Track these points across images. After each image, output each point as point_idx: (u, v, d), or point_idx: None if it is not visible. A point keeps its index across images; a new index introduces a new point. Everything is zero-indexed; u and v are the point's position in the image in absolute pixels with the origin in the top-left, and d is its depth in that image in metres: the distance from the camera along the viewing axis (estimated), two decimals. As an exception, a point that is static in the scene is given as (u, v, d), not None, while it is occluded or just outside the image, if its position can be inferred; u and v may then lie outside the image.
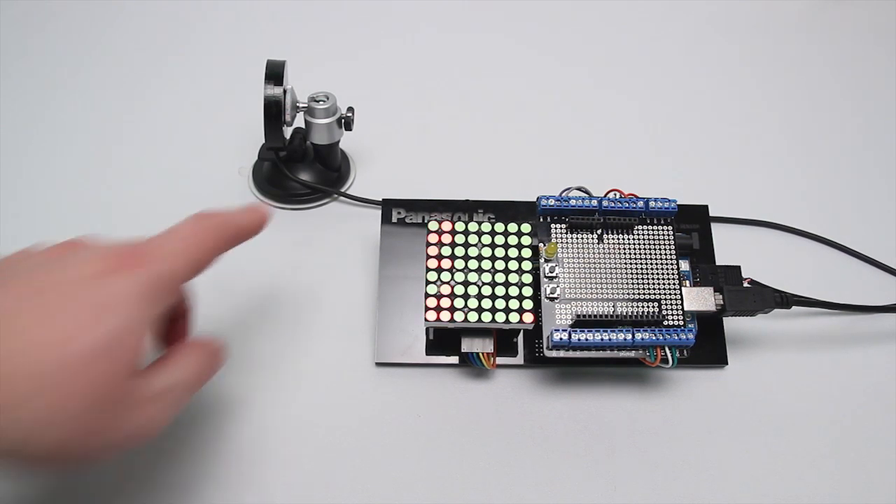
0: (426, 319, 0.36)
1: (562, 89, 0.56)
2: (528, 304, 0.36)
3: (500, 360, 0.39)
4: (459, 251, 0.37)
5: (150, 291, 0.27)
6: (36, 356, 0.24)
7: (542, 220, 0.39)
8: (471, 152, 0.51)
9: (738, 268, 0.39)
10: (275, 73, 0.43)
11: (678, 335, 0.36)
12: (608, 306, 0.37)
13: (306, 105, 0.45)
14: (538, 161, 0.51)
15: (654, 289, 0.37)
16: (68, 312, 0.25)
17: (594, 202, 0.38)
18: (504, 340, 0.40)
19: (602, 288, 0.37)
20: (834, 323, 0.43)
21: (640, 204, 0.38)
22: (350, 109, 0.45)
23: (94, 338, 0.25)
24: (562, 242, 0.38)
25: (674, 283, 0.37)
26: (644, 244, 0.38)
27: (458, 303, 0.36)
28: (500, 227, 0.38)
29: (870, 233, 0.47)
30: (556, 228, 0.38)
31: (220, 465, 0.36)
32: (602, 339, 0.35)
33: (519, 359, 0.40)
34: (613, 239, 0.38)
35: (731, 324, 0.41)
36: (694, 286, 0.39)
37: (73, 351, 0.24)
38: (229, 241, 0.31)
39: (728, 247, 0.44)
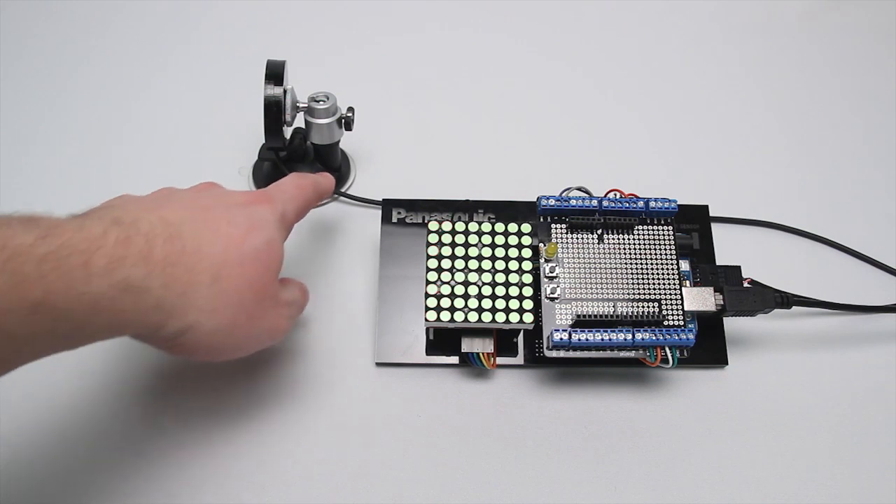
0: (426, 319, 0.36)
1: (562, 89, 0.56)
2: (528, 304, 0.36)
3: (500, 360, 0.39)
4: (459, 251, 0.37)
5: (280, 221, 0.34)
6: (213, 252, 0.30)
7: (542, 220, 0.39)
8: (471, 152, 0.51)
9: (738, 268, 0.39)
10: (275, 73, 0.43)
11: (678, 335, 0.36)
12: (608, 306, 0.37)
13: (306, 105, 0.45)
14: (538, 161, 0.51)
15: (654, 289, 0.37)
16: (231, 224, 0.31)
17: (594, 202, 0.38)
18: (504, 340, 0.40)
19: (602, 288, 0.37)
20: (834, 323, 0.43)
21: (640, 204, 0.38)
22: (350, 109, 0.45)
23: (255, 243, 0.31)
24: (562, 242, 0.38)
25: (674, 283, 0.37)
26: (644, 244, 0.38)
27: (458, 303, 0.36)
28: (500, 227, 0.38)
29: (870, 233, 0.47)
30: (556, 228, 0.38)
31: (218, 465, 0.36)
32: (602, 339, 0.35)
33: (519, 359, 0.40)
34: (613, 239, 0.38)
35: (731, 324, 0.41)
36: (694, 286, 0.39)
37: (241, 251, 0.30)
38: (318, 197, 0.39)
39: (728, 247, 0.44)
